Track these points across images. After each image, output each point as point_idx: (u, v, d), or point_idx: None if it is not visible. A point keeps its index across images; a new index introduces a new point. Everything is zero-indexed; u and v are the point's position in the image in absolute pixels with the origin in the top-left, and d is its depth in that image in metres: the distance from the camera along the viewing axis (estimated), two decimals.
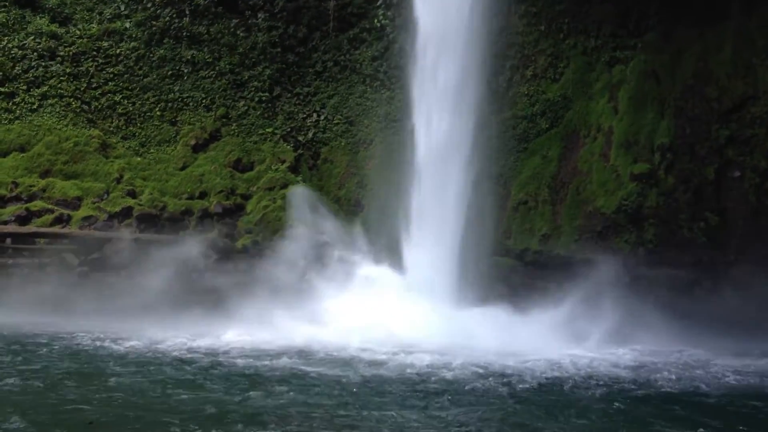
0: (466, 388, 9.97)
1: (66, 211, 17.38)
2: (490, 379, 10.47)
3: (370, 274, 15.56)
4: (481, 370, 10.97)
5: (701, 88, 17.65)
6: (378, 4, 20.85)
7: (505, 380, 10.45)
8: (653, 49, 18.56)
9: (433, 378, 10.52)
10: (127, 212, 17.68)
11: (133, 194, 18.16)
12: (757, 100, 17.09)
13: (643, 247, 16.50)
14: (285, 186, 18.93)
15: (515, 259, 17.30)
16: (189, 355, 11.78)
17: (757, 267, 14.38)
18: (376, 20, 20.85)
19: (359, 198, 19.47)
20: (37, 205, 17.37)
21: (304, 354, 12.02)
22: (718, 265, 15.86)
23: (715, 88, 17.52)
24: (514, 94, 19.65)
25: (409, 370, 10.93)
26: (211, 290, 15.87)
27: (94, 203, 17.71)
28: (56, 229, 16.98)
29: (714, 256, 15.60)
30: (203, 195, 18.56)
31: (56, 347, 12.09)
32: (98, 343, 12.62)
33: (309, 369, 10.89)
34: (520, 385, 10.22)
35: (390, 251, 16.35)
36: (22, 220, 17.07)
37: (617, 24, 19.41)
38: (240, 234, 18.03)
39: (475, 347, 12.45)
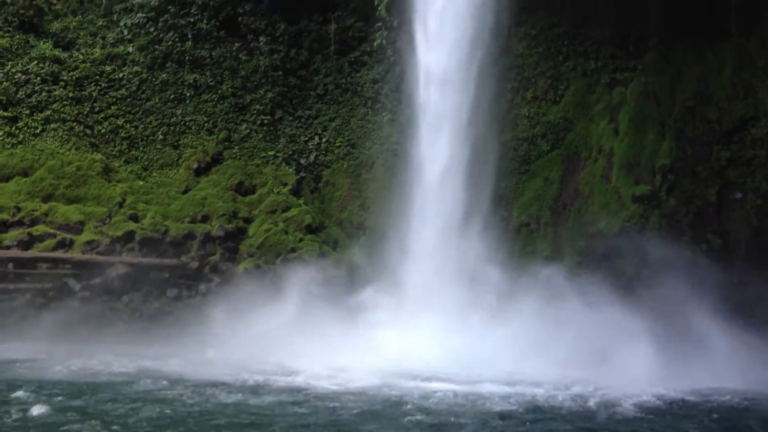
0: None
1: (68, 236, 17.38)
2: None
3: (373, 300, 15.49)
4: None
5: (701, 109, 17.72)
6: (378, 26, 20.98)
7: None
8: (653, 71, 18.66)
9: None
10: (129, 236, 17.68)
11: (135, 218, 18.18)
12: (757, 121, 17.14)
13: (646, 270, 16.50)
14: (287, 209, 18.98)
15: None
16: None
17: (760, 289, 14.35)
18: (375, 43, 20.98)
19: (362, 221, 19.49)
20: (39, 229, 17.38)
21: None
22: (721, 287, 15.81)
23: (715, 109, 17.58)
24: (514, 116, 19.74)
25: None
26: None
27: (97, 227, 17.70)
28: (58, 253, 16.98)
29: (717, 278, 15.54)
30: (205, 218, 18.57)
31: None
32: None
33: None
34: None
35: (391, 275, 16.32)
36: (25, 244, 17.06)
37: (616, 46, 19.54)
38: (242, 258, 18.05)
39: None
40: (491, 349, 13.38)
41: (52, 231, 17.39)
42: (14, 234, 17.17)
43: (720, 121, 17.43)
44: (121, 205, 18.34)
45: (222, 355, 14.17)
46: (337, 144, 20.79)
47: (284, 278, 16.53)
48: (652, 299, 14.45)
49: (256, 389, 11.34)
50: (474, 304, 14.70)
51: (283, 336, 14.27)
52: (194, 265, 17.54)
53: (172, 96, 20.55)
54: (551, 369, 12.56)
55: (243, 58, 21.32)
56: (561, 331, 13.41)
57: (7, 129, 18.97)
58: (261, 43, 21.50)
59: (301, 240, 18.40)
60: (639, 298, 14.45)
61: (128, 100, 20.26)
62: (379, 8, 20.01)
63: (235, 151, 20.21)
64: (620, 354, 12.73)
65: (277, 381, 11.99)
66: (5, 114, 19.12)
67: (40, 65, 19.91)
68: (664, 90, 18.32)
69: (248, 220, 18.88)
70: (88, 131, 19.62)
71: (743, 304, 14.47)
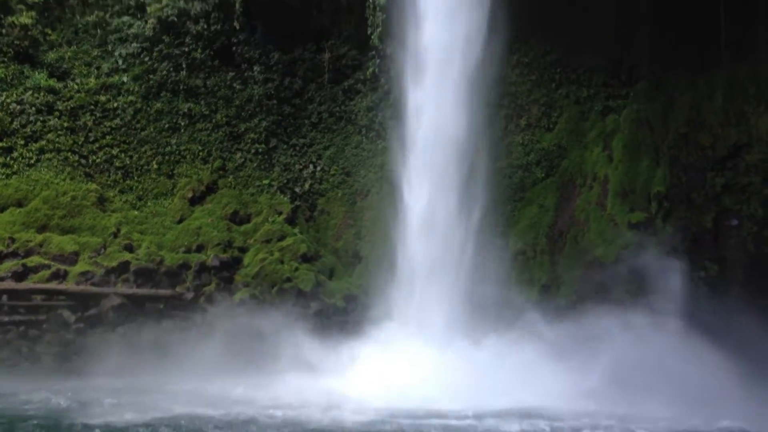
0: None
1: (63, 267, 17.28)
2: None
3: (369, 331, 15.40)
4: None
5: (695, 136, 17.81)
6: (371, 55, 21.10)
7: None
8: (645, 98, 18.82)
9: None
10: (124, 267, 17.58)
11: (130, 248, 18.10)
12: (751, 147, 17.21)
13: (644, 297, 16.48)
14: (282, 238, 18.94)
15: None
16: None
17: (757, 317, 14.32)
18: (369, 71, 21.08)
19: (357, 249, 19.46)
20: (33, 260, 17.27)
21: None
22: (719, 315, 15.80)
23: (708, 136, 17.66)
24: (509, 144, 19.83)
25: None
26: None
27: (91, 258, 17.61)
28: (53, 285, 16.85)
29: (714, 306, 15.54)
30: (200, 248, 18.51)
31: None
32: None
33: None
34: None
35: (386, 305, 16.26)
36: (19, 276, 16.94)
37: (609, 73, 19.73)
38: (238, 288, 17.96)
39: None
40: (493, 380, 13.18)
41: (46, 262, 17.29)
42: (8, 265, 17.04)
43: (713, 147, 17.51)
44: (115, 235, 18.26)
45: (215, 387, 14.03)
46: (331, 172, 20.81)
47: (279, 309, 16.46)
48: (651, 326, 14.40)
49: (246, 424, 11.17)
50: (471, 334, 14.62)
51: (277, 370, 14.14)
52: (189, 295, 17.47)
53: (167, 125, 20.57)
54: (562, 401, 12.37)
55: (237, 87, 21.38)
56: (565, 360, 13.25)
57: (1, 159, 18.91)
58: (255, 72, 21.58)
59: (296, 269, 18.33)
60: (636, 326, 14.36)
61: (123, 129, 20.26)
62: (372, 37, 20.18)
63: (229, 179, 20.20)
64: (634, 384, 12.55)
65: (272, 415, 11.81)
66: (0, 145, 19.09)
67: (35, 95, 19.90)
68: (656, 117, 18.45)
69: (243, 250, 18.83)
70: (82, 161, 19.58)
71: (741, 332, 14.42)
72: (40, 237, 17.75)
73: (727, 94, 17.80)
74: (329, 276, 18.87)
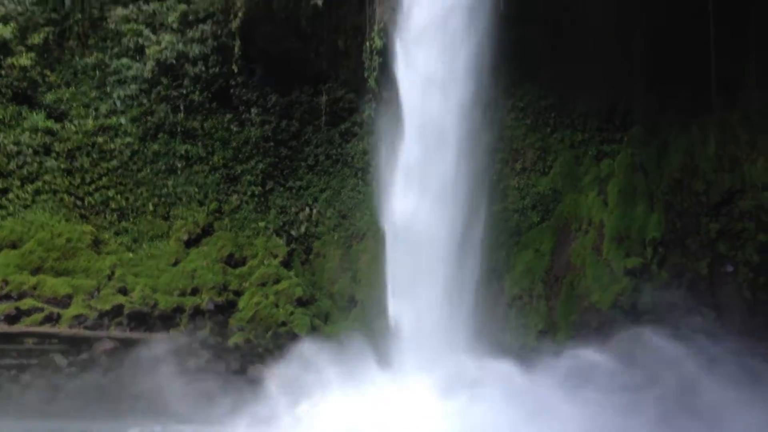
0: None
1: (56, 310, 17.17)
2: None
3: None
4: None
5: (689, 181, 17.92)
6: (368, 98, 21.28)
7: None
8: (639, 143, 18.95)
9: None
10: (118, 310, 17.49)
11: (124, 291, 18.01)
12: (744, 193, 17.30)
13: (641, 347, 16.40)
14: (277, 281, 18.87)
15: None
16: None
17: (754, 365, 14.25)
18: (365, 114, 21.25)
19: (353, 293, 19.39)
20: (27, 303, 17.16)
21: None
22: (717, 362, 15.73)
23: (702, 181, 17.76)
24: (504, 188, 19.90)
25: None
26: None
27: (85, 301, 17.52)
28: (45, 328, 16.74)
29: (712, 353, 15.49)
30: (195, 291, 18.42)
31: None
32: None
33: None
34: None
35: (382, 351, 16.12)
36: (12, 319, 16.83)
37: (603, 118, 19.87)
38: (232, 332, 17.85)
39: None
40: None
41: (39, 305, 17.18)
42: (1, 308, 16.94)
43: (707, 193, 17.60)
44: (110, 277, 18.19)
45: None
46: (327, 215, 20.84)
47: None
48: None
49: None
50: (467, 383, 14.47)
51: (269, 417, 13.94)
52: (183, 339, 17.31)
53: (164, 167, 20.63)
54: None
55: (234, 129, 21.50)
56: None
57: None
58: (252, 115, 21.72)
59: (291, 313, 18.24)
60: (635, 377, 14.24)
61: (119, 171, 20.30)
62: (369, 80, 20.39)
63: (225, 222, 20.20)
64: None
65: None
66: None
67: (33, 136, 19.98)
68: (651, 162, 18.57)
69: (238, 293, 18.74)
70: (78, 202, 19.58)
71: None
72: (33, 279, 17.67)
73: (720, 140, 17.95)
74: (324, 320, 18.78)
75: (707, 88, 17.76)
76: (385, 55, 19.71)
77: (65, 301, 17.48)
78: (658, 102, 18.94)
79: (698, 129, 18.34)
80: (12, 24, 21.08)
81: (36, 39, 21.32)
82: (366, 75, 20.45)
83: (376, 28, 20.49)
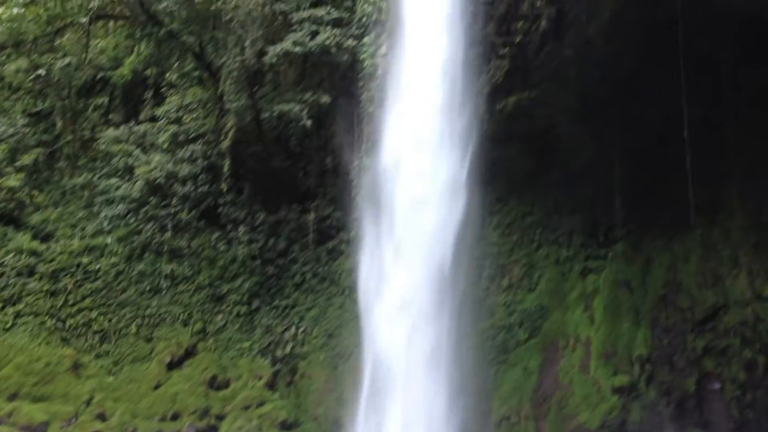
0: None
1: None
2: None
3: None
4: None
5: (673, 298, 17.96)
6: (355, 216, 21.49)
7: None
8: (623, 259, 19.08)
9: None
10: None
11: (102, 417, 17.55)
12: (728, 309, 17.31)
13: None
14: (261, 404, 18.46)
15: None
16: None
17: None
18: (353, 233, 21.39)
19: (338, 417, 18.88)
20: (1, 431, 16.65)
21: None
22: None
23: (686, 297, 17.81)
24: (491, 304, 19.84)
25: None
26: None
27: (62, 428, 17.03)
28: None
29: None
30: (176, 416, 17.97)
31: None
32: None
33: None
34: None
35: None
36: None
37: (587, 234, 20.04)
38: None
39: None
40: None
41: None
42: None
43: (692, 309, 17.61)
44: (88, 403, 17.77)
45: None
46: (314, 334, 20.60)
47: None
48: None
49: None
50: None
51: None
52: None
53: (149, 287, 20.55)
54: None
55: (221, 247, 21.57)
56: None
57: None
58: (240, 233, 21.83)
59: None
60: None
61: (103, 291, 20.21)
62: (356, 199, 20.63)
63: (209, 343, 19.95)
64: None
65: None
66: None
67: (16, 257, 19.99)
68: (636, 278, 18.65)
69: (221, 417, 18.27)
70: (59, 324, 19.38)
71: None
72: (9, 406, 17.24)
73: (702, 256, 18.13)
74: None
75: (686, 208, 18.07)
76: (372, 174, 20.03)
77: (41, 429, 16.99)
78: (640, 219, 19.21)
79: (680, 245, 18.56)
80: (3, 145, 21.47)
81: (26, 160, 21.71)
82: (353, 193, 20.72)
83: (363, 147, 20.97)
